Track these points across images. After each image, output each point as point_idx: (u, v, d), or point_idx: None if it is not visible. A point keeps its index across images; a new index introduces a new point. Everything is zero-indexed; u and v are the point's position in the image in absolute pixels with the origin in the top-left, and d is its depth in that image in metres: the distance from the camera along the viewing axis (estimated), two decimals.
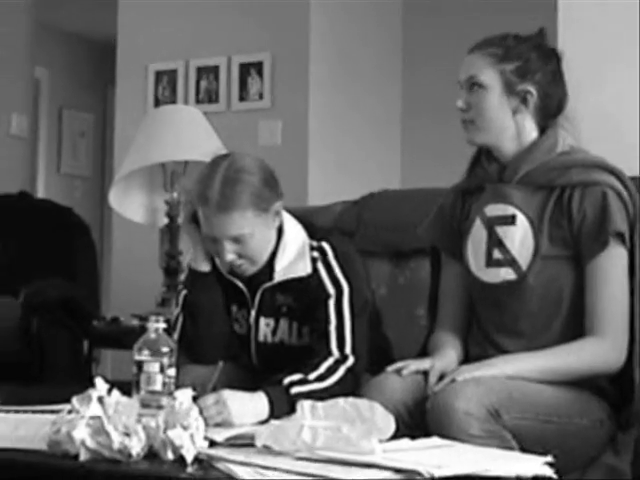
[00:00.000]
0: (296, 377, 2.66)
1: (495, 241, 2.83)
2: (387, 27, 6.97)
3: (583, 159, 2.82)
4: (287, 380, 2.63)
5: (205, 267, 2.97)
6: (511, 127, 2.83)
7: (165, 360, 2.20)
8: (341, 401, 2.21)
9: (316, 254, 2.85)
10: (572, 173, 2.76)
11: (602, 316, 2.68)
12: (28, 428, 2.28)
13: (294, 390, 2.61)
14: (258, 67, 6.07)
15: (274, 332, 2.96)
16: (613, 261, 2.70)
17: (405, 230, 3.50)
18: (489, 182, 2.90)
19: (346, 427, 2.09)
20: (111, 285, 6.42)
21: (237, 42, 6.17)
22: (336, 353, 2.76)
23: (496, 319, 2.85)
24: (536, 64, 2.84)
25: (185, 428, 2.03)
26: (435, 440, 2.25)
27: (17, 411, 2.51)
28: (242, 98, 6.12)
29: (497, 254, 2.82)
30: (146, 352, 2.23)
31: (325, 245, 2.86)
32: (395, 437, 2.18)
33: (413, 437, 2.24)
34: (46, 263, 5.31)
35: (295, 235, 2.93)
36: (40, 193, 9.00)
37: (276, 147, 5.95)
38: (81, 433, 2.03)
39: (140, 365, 2.22)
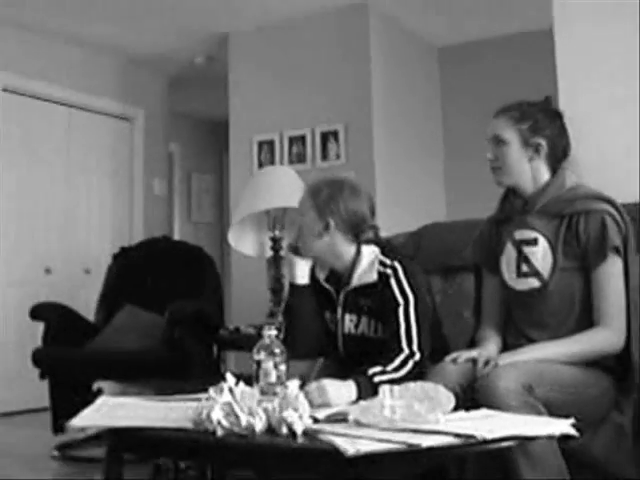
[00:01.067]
0: (377, 369, 2.65)
1: (523, 258, 2.86)
2: (428, 85, 7.00)
3: (585, 192, 2.83)
4: (371, 371, 2.62)
5: (302, 280, 2.97)
6: (528, 171, 2.87)
7: (277, 358, 2.19)
8: (412, 384, 2.21)
9: (389, 271, 2.84)
10: (577, 204, 2.79)
11: (607, 310, 2.70)
12: (177, 412, 2.28)
13: (376, 379, 2.60)
14: (334, 134, 6.09)
15: (356, 326, 2.94)
16: (612, 269, 2.72)
17: (452, 252, 3.51)
18: (515, 213, 2.93)
19: (417, 404, 2.08)
20: (232, 303, 6.46)
21: (318, 117, 6.21)
22: (406, 350, 2.74)
23: (526, 317, 2.85)
24: (544, 122, 2.89)
25: (295, 409, 2.03)
26: (484, 411, 2.23)
27: (168, 400, 2.51)
28: (324, 158, 6.13)
29: (525, 268, 2.85)
30: (263, 353, 2.22)
31: (397, 264, 2.85)
32: (454, 410, 2.16)
33: (467, 409, 2.22)
34: (183, 288, 5.36)
35: (369, 253, 2.92)
36: (176, 237, 9.09)
37: None
38: (217, 415, 2.04)
39: (259, 363, 2.21)
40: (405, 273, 2.85)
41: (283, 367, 2.24)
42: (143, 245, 6.07)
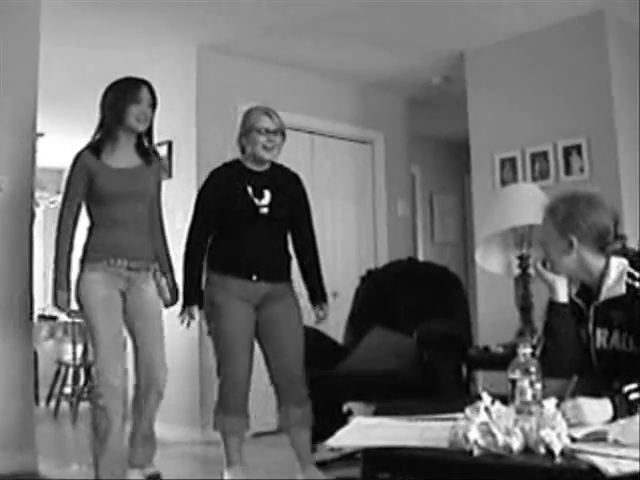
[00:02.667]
0: (633, 386, 2.57)
1: None
2: None
3: None
4: (627, 388, 2.55)
5: (563, 298, 2.94)
6: None
7: (533, 377, 2.19)
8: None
9: (638, 284, 2.77)
10: None
11: None
12: (432, 432, 2.31)
13: (632, 396, 2.53)
14: (578, 149, 5.96)
15: (608, 340, 2.86)
16: None
17: None
18: None
19: None
20: (478, 323, 6.44)
21: (559, 131, 6.10)
22: None
23: None
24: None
25: (553, 428, 2.02)
26: None
27: (422, 420, 2.55)
28: (567, 173, 6.01)
29: None
30: (518, 371, 2.22)
31: None
32: None
33: None
34: (431, 308, 5.39)
35: (617, 265, 2.86)
36: (420, 257, 9.16)
37: None
38: (474, 434, 2.06)
39: (514, 382, 2.21)
40: None
41: (539, 385, 2.24)
42: (390, 267, 6.15)
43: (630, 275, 2.81)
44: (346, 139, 7.53)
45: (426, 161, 9.72)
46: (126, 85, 4.20)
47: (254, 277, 4.26)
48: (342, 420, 4.61)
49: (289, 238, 4.49)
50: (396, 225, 7.81)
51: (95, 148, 4.15)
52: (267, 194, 4.31)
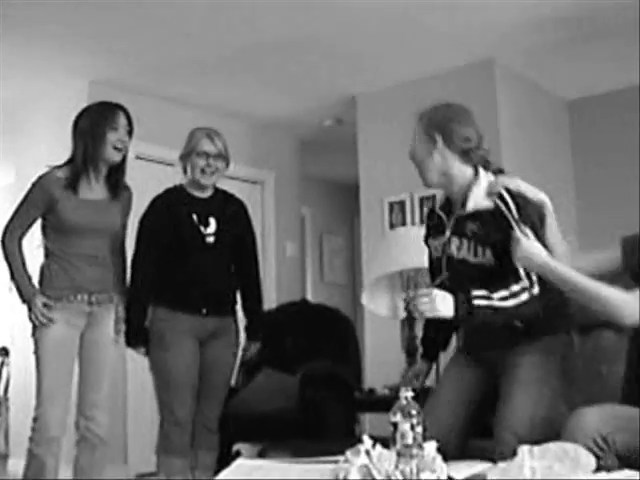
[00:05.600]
0: (481, 292, 2.68)
1: None
2: (558, 140, 6.93)
3: None
4: (474, 292, 2.63)
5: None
6: None
7: (414, 420, 2.19)
8: (552, 445, 2.17)
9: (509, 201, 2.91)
10: None
11: None
12: (313, 474, 2.30)
13: (476, 301, 2.65)
14: None
15: (459, 249, 2.98)
16: None
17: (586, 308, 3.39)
18: None
19: (557, 465, 2.05)
20: (366, 364, 6.46)
21: None
22: (525, 280, 2.72)
23: None
24: None
25: (433, 471, 2.03)
26: (627, 472, 2.16)
27: (304, 462, 2.53)
28: None
29: None
30: (399, 414, 2.22)
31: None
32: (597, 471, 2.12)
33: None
34: (322, 350, 5.42)
35: (485, 176, 3.05)
36: (309, 298, 9.15)
37: None
38: (354, 477, 2.05)
39: (395, 425, 2.22)
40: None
41: (420, 429, 2.24)
42: (283, 308, 6.17)
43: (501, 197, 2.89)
44: (236, 179, 7.50)
45: (316, 202, 9.78)
46: (102, 110, 3.95)
47: (204, 311, 4.12)
48: (232, 461, 4.56)
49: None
50: (285, 266, 7.81)
51: (67, 178, 3.87)
52: (213, 222, 4.15)
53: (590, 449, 2.28)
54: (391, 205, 6.50)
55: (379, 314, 5.03)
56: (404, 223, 6.37)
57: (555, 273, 2.64)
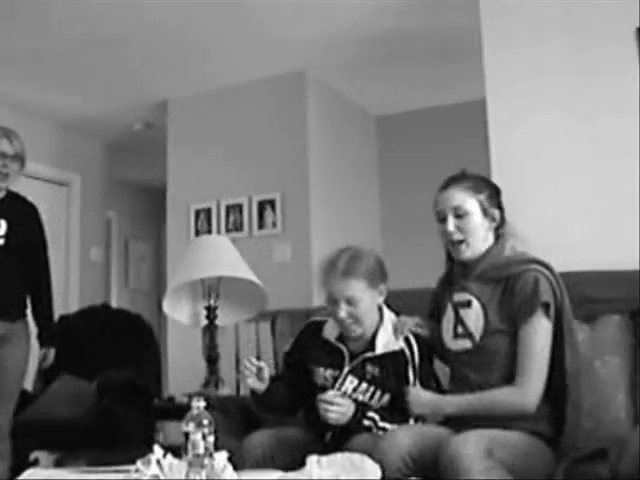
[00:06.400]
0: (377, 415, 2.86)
1: (459, 320, 2.92)
2: (366, 154, 7.11)
3: (521, 257, 2.90)
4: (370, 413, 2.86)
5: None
6: (490, 240, 2.94)
7: (206, 430, 2.20)
8: (339, 455, 2.23)
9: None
10: (513, 267, 2.86)
11: (522, 369, 2.74)
12: None
13: (369, 413, 2.87)
14: (271, 203, 6.15)
15: (355, 390, 3.01)
16: (538, 327, 2.76)
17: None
18: (457, 277, 3.00)
19: (344, 475, 2.10)
20: (169, 371, 6.41)
21: (255, 186, 6.27)
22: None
23: (459, 375, 2.92)
24: (493, 194, 2.98)
25: None
26: None
27: (96, 472, 2.50)
28: (260, 227, 6.19)
29: (460, 329, 2.92)
30: (191, 424, 2.22)
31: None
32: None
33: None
34: (121, 356, 5.34)
35: (389, 316, 3.05)
36: (114, 304, 9.01)
37: (286, 263, 6.03)
38: None
39: (187, 434, 2.22)
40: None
41: (211, 438, 2.25)
42: (82, 313, 6.03)
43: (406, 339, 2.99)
44: (41, 179, 7.29)
45: (123, 207, 9.62)
46: None
47: None
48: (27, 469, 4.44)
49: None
50: (89, 270, 7.64)
51: None
52: (3, 224, 4.03)
53: (399, 468, 2.39)
54: (197, 212, 6.49)
55: (180, 322, 5.00)
56: (210, 230, 6.37)
57: (448, 409, 2.83)
